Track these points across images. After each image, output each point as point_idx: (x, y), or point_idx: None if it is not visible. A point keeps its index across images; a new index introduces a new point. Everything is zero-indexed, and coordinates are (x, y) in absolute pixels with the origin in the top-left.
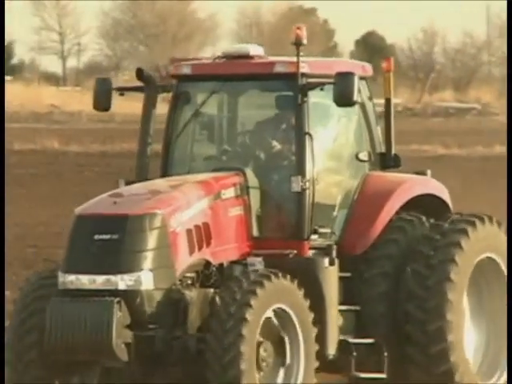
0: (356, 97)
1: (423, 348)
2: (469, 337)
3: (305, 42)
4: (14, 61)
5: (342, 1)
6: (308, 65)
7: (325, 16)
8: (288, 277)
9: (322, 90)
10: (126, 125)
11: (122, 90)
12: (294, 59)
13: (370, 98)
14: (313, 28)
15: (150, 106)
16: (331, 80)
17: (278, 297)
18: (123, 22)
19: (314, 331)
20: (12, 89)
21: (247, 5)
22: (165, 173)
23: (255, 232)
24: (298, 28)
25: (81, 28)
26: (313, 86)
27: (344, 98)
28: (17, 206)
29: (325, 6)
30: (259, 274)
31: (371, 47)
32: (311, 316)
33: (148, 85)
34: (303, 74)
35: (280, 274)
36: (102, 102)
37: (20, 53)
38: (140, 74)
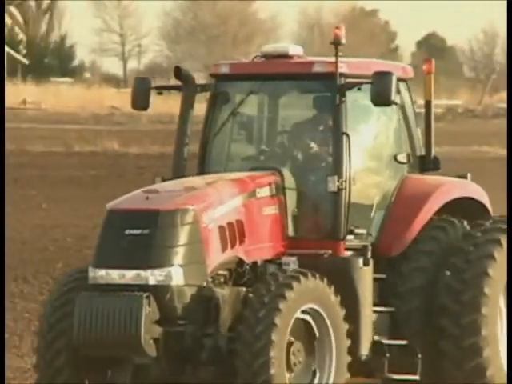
0: (394, 96)
1: (456, 340)
2: (505, 347)
3: (343, 41)
4: (75, 63)
5: (403, 1)
6: (347, 65)
7: (386, 17)
8: (317, 276)
9: (359, 89)
10: None
11: (161, 89)
12: (333, 59)
13: (411, 100)
14: (374, 30)
15: (187, 105)
16: (369, 80)
17: (308, 297)
18: (184, 23)
19: (345, 327)
20: (73, 91)
21: (309, 5)
22: (201, 172)
23: (291, 232)
24: (337, 28)
25: (142, 29)
26: (351, 86)
27: (381, 98)
28: (76, 207)
29: (386, 7)
30: (288, 275)
31: (432, 49)
32: (342, 312)
33: (186, 84)
34: (341, 74)
35: (309, 274)
36: (141, 101)
37: (81, 55)
38: (178, 72)
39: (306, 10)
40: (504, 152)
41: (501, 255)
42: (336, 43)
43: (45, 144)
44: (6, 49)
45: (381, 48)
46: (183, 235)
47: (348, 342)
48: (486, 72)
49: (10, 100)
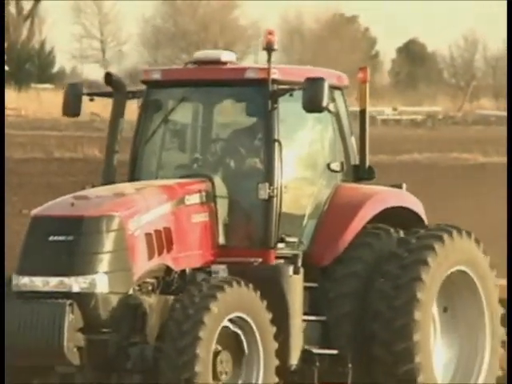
0: (325, 103)
1: (388, 345)
2: (440, 352)
3: (276, 47)
4: (55, 69)
5: (383, 8)
6: (279, 71)
7: (366, 24)
8: (250, 286)
9: (291, 95)
10: None
11: (92, 96)
12: (266, 65)
13: (346, 109)
14: (354, 36)
15: (118, 111)
16: (301, 86)
17: (238, 304)
18: (163, 29)
19: (274, 346)
20: (53, 97)
21: (290, 12)
22: (132, 180)
23: (222, 240)
24: (270, 33)
25: (122, 35)
26: (283, 92)
27: (313, 104)
28: None
29: (366, 14)
30: (212, 285)
31: (412, 55)
32: (273, 330)
33: (117, 90)
34: (274, 81)
35: (234, 282)
36: (72, 107)
37: (61, 61)
38: (109, 79)
39: (287, 16)
40: (484, 159)
41: (435, 261)
42: (269, 49)
43: (25, 150)
44: None
45: (362, 54)
46: (108, 242)
47: (276, 361)
48: (466, 78)
49: None
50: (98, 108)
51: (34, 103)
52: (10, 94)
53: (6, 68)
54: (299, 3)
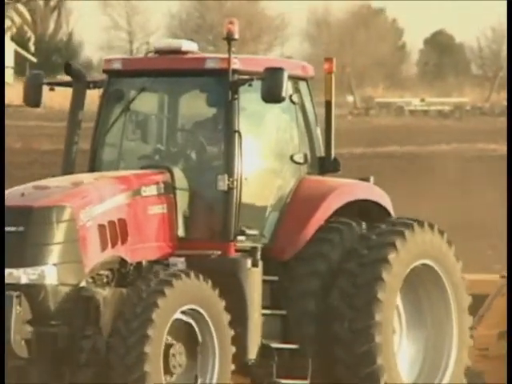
0: (284, 93)
1: (349, 347)
2: (406, 347)
3: (236, 36)
4: (81, 60)
5: (410, 0)
6: (240, 61)
7: (394, 15)
8: (201, 277)
9: (250, 85)
10: None
11: (52, 85)
12: (226, 55)
13: (311, 100)
14: (382, 27)
15: (78, 101)
16: (260, 76)
17: (189, 297)
18: (190, 23)
19: (229, 333)
20: None
21: (318, 4)
22: (92, 171)
23: (181, 232)
24: (231, 22)
25: (150, 27)
26: (242, 82)
27: (272, 94)
28: None
29: (394, 5)
30: (169, 273)
31: (440, 46)
32: (227, 318)
33: (77, 80)
34: (234, 71)
35: (192, 274)
36: (32, 96)
37: (88, 52)
38: (69, 69)
39: (315, 9)
40: None
41: (396, 258)
42: (229, 39)
43: (52, 142)
44: (14, 46)
45: (389, 46)
46: (58, 233)
47: (233, 348)
48: (493, 69)
49: (17, 98)
50: None
51: (61, 95)
52: None
53: (34, 60)
54: None
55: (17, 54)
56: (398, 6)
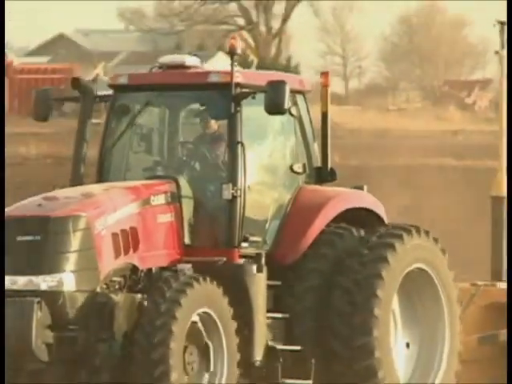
0: (287, 105)
1: (347, 341)
2: (400, 349)
3: (239, 51)
4: None
5: None
6: (242, 75)
7: None
8: (215, 282)
9: (253, 98)
10: (401, 140)
11: (60, 101)
12: (229, 70)
13: (308, 113)
14: None
15: (85, 115)
16: (263, 89)
17: (205, 300)
18: (400, 47)
19: (236, 340)
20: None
21: None
22: (99, 182)
23: (187, 240)
24: (233, 38)
25: (362, 52)
26: (245, 95)
27: (275, 106)
28: None
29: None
30: (189, 276)
31: None
32: (234, 325)
33: (84, 95)
34: (237, 84)
35: (201, 279)
36: (41, 112)
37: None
38: (76, 83)
39: None
40: None
41: (394, 258)
42: (232, 53)
43: None
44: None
45: None
46: (75, 241)
47: (238, 355)
48: None
49: None
50: (339, 118)
51: None
52: None
53: None
54: None
55: None
56: None
